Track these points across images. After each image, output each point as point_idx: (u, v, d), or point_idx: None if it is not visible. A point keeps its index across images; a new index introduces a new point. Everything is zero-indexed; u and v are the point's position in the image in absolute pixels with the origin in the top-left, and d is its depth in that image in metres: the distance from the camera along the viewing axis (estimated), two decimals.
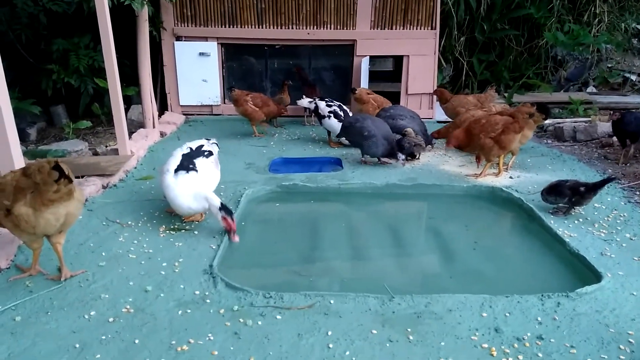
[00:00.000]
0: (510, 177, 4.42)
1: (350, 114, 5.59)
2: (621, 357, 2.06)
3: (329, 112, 5.51)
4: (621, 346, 2.13)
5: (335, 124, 5.39)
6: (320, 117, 5.59)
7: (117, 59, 4.55)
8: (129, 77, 6.34)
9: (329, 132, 5.61)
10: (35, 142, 5.92)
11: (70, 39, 5.85)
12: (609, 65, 8.66)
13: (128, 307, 2.40)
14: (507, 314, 2.35)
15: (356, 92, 6.11)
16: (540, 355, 2.07)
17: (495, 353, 2.08)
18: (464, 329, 2.25)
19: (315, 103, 5.69)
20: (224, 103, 7.02)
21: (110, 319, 2.30)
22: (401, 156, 4.60)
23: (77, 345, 2.10)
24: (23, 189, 2.33)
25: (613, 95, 7.85)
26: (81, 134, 5.97)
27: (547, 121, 6.48)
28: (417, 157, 4.89)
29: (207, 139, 3.75)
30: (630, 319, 2.32)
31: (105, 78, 4.62)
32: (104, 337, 2.17)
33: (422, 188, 4.14)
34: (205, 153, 3.50)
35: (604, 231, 3.30)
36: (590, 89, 8.14)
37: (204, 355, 2.06)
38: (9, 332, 2.19)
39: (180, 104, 6.88)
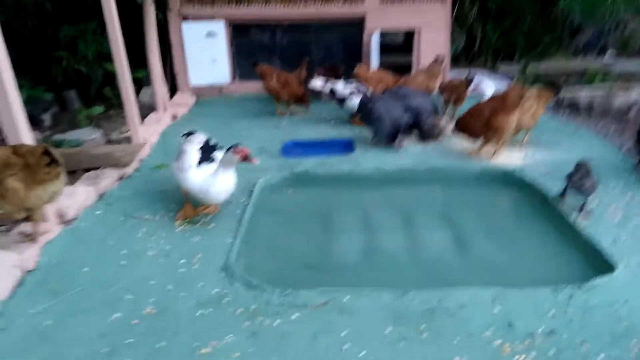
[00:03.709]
0: (524, 157, 4.39)
1: (369, 93, 5.51)
2: (633, 352, 2.10)
3: (351, 91, 5.39)
4: (634, 340, 2.16)
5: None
6: (341, 100, 5.43)
7: (125, 43, 4.51)
8: (138, 59, 6.32)
9: (351, 112, 5.52)
10: (50, 127, 5.99)
11: (76, 25, 5.83)
12: (628, 31, 8.38)
13: (151, 308, 2.49)
14: (520, 308, 2.39)
15: (355, 70, 6.01)
16: (552, 351, 2.11)
17: (508, 350, 2.13)
18: (477, 325, 2.30)
19: (331, 87, 5.52)
20: (234, 82, 6.99)
21: (135, 321, 2.39)
22: (401, 140, 4.56)
23: (105, 351, 2.19)
24: (12, 165, 2.64)
25: (632, 62, 7.65)
26: (94, 120, 6.01)
27: (563, 94, 6.40)
28: (437, 140, 4.84)
29: (191, 132, 3.69)
30: None
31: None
32: (130, 341, 2.25)
33: (435, 172, 4.14)
34: (218, 146, 3.53)
35: (618, 215, 3.29)
36: (608, 55, 7.92)
37: (225, 358, 2.14)
38: (40, 338, 2.28)
39: (190, 84, 6.87)
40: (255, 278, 2.70)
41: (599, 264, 2.81)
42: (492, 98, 4.48)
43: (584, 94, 6.15)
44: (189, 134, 3.66)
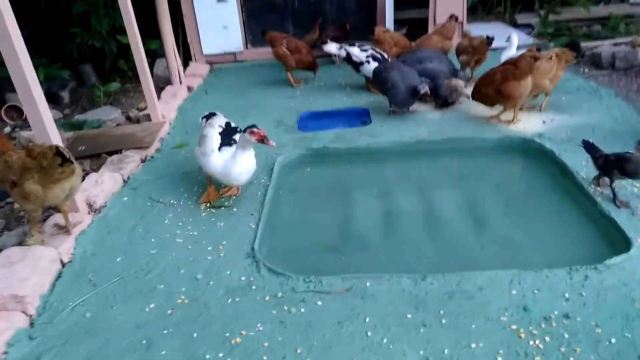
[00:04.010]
0: (544, 122, 4.35)
1: (386, 56, 5.42)
2: None
3: (367, 56, 5.28)
4: None
5: None
6: (357, 65, 5.35)
7: (136, 14, 4.47)
8: (151, 30, 6.27)
9: (367, 78, 5.45)
10: (69, 104, 6.08)
11: (88, 0, 5.79)
12: None
13: (183, 297, 2.63)
14: (536, 291, 2.47)
15: (374, 33, 5.89)
16: (566, 336, 2.20)
17: (523, 335, 2.22)
18: (494, 309, 2.39)
19: (346, 50, 5.43)
20: (247, 49, 6.92)
21: (169, 311, 2.54)
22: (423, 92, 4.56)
23: (144, 342, 2.36)
24: (29, 168, 2.75)
25: None
26: (112, 95, 6.07)
27: (585, 44, 6.22)
28: (454, 105, 4.80)
29: (213, 113, 3.76)
30: None
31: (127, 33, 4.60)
32: (165, 332, 2.41)
33: (453, 142, 4.14)
34: (238, 129, 3.59)
35: (637, 184, 3.30)
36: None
37: (256, 348, 2.28)
38: (84, 331, 2.46)
39: (204, 53, 6.84)
40: (279, 263, 2.83)
41: (615, 238, 2.86)
42: (505, 63, 4.40)
43: (606, 47, 5.96)
44: (210, 115, 3.71)
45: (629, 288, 2.45)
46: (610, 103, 4.63)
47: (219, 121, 3.60)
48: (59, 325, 2.50)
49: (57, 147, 2.74)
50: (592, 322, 2.27)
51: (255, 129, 3.18)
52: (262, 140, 3.18)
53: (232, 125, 3.62)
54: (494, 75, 4.29)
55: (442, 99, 4.79)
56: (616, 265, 2.59)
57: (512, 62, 4.26)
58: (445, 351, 2.18)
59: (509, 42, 5.23)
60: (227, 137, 3.49)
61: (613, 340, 2.17)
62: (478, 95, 4.47)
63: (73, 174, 2.87)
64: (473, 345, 2.20)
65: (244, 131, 3.21)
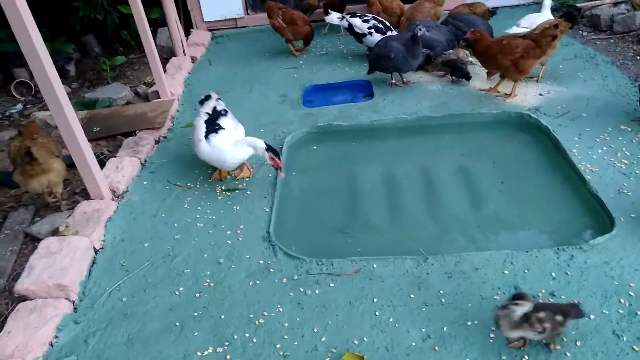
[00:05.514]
0: (540, 94, 4.50)
1: (388, 24, 5.46)
2: (620, 311, 2.47)
3: (369, 27, 5.34)
4: (621, 300, 2.52)
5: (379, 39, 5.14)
6: (360, 36, 5.41)
7: None
8: None
9: (369, 48, 5.49)
10: (76, 78, 6.18)
11: None
12: None
13: (208, 281, 2.92)
14: (526, 271, 2.75)
15: None
16: None
17: None
18: (488, 288, 2.68)
19: (348, 20, 5.46)
20: (247, 14, 6.92)
21: (197, 294, 2.84)
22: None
23: (177, 324, 2.66)
24: (16, 162, 3.35)
25: None
26: (117, 69, 6.15)
27: (584, 3, 6.23)
28: (470, 78, 4.83)
29: (208, 95, 3.93)
30: (634, 270, 2.68)
31: (128, 3, 4.66)
32: (196, 314, 2.71)
33: (452, 118, 4.30)
34: (222, 112, 3.77)
35: (625, 161, 3.51)
36: None
37: (278, 328, 2.59)
38: (122, 314, 2.76)
39: (205, 20, 6.84)
40: (293, 245, 3.11)
41: (602, 217, 3.12)
42: (525, 37, 4.34)
43: (605, 8, 5.98)
44: (204, 99, 3.90)
45: (610, 267, 2.72)
46: (606, 72, 4.75)
47: (207, 108, 3.79)
48: (99, 309, 2.80)
49: (28, 148, 3.20)
50: (574, 300, 2.56)
51: (276, 158, 3.42)
52: (275, 168, 3.50)
53: (218, 108, 3.79)
54: (515, 48, 4.21)
55: (462, 72, 4.79)
56: (600, 244, 2.86)
57: (534, 39, 4.23)
58: (444, 329, 2.49)
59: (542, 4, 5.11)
60: (212, 123, 3.68)
61: (592, 317, 2.46)
62: (490, 60, 4.42)
63: (45, 172, 3.32)
64: (469, 323, 2.50)
65: (267, 150, 3.42)
